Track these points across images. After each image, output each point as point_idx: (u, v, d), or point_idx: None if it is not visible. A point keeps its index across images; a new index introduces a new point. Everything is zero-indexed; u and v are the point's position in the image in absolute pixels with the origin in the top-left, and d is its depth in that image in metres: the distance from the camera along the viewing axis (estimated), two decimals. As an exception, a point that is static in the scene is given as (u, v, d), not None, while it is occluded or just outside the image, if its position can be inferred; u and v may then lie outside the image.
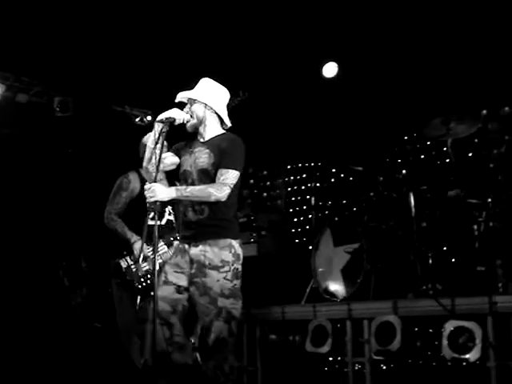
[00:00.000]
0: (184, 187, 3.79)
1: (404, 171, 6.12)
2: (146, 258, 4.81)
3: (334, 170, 7.47)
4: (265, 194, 8.08)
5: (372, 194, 5.96)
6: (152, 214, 4.02)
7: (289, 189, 7.89)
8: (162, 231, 4.79)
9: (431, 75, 6.26)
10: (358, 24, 6.26)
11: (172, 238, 4.89)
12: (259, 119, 7.33)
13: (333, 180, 7.42)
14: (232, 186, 3.73)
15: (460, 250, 5.47)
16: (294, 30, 6.44)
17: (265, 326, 5.76)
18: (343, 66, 6.82)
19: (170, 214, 5.03)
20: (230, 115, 4.08)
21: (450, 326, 4.65)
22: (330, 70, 6.92)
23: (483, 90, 6.10)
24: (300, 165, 7.87)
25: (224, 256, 3.73)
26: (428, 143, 6.98)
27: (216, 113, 3.94)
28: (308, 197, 7.16)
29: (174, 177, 4.02)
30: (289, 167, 7.97)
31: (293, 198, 7.83)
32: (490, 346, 4.52)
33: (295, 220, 7.66)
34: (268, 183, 8.12)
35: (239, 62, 6.66)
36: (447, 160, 6.28)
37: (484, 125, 6.04)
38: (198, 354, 4.71)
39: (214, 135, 3.92)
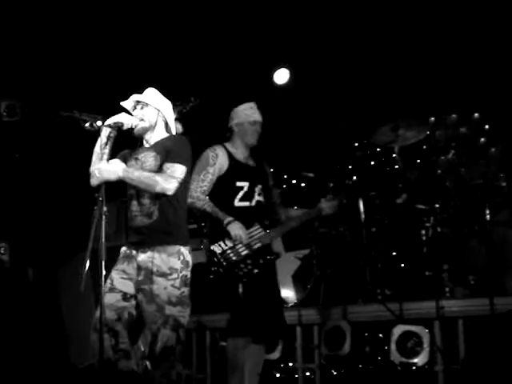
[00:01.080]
0: (132, 169, 3.71)
1: (354, 177, 6.17)
2: (243, 242, 4.25)
3: (285, 177, 7.49)
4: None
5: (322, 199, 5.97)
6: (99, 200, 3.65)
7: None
8: (252, 213, 4.37)
9: (381, 83, 6.34)
10: (310, 30, 6.30)
11: (267, 222, 4.42)
12: (210, 125, 7.30)
13: (284, 186, 7.43)
14: (180, 180, 3.67)
15: (408, 255, 5.55)
16: (245, 36, 6.44)
17: (215, 333, 5.73)
18: (295, 72, 6.84)
19: (259, 195, 4.47)
20: (181, 121, 4.10)
21: (398, 330, 4.70)
22: (281, 76, 6.93)
23: (431, 97, 6.20)
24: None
25: (172, 263, 3.68)
26: (378, 149, 7.09)
27: (164, 120, 3.92)
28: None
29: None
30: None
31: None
32: (438, 350, 4.58)
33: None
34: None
35: (190, 68, 6.64)
36: (396, 166, 6.35)
37: (432, 132, 6.13)
38: (147, 362, 4.65)
39: (159, 139, 3.90)
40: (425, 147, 6.37)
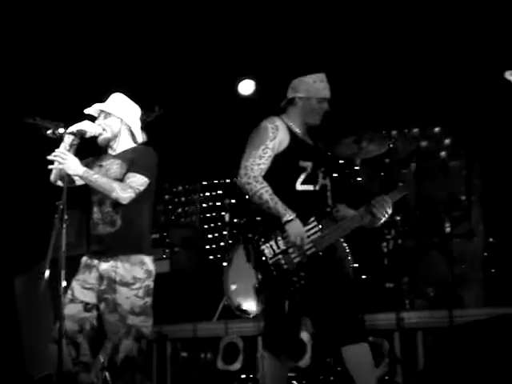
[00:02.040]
0: (92, 172, 3.67)
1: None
2: (300, 248, 3.48)
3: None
4: (179, 210, 8.03)
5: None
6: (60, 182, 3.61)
7: (204, 205, 7.88)
8: (317, 199, 3.63)
9: (344, 95, 6.38)
10: (275, 41, 6.33)
11: (329, 209, 3.67)
12: (176, 135, 7.29)
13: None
14: (138, 190, 3.64)
15: (369, 267, 5.59)
16: (211, 47, 6.45)
17: (176, 344, 5.69)
18: (260, 83, 6.87)
19: (324, 179, 3.72)
20: (145, 130, 4.04)
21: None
22: (246, 87, 6.96)
23: (393, 111, 6.29)
24: (215, 181, 7.87)
25: (135, 272, 3.65)
26: (341, 162, 7.14)
27: (129, 129, 3.90)
28: (223, 213, 7.15)
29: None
30: (204, 183, 7.95)
31: (208, 215, 7.81)
32: (397, 361, 4.62)
33: (210, 236, 7.64)
34: (183, 199, 8.06)
35: (155, 77, 6.61)
36: (358, 179, 6.41)
37: (394, 145, 6.21)
38: (107, 374, 4.60)
39: (125, 148, 3.87)
40: (387, 160, 6.44)
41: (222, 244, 7.31)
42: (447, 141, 6.38)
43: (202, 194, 7.89)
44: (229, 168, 7.31)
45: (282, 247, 3.51)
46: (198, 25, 6.23)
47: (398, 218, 5.54)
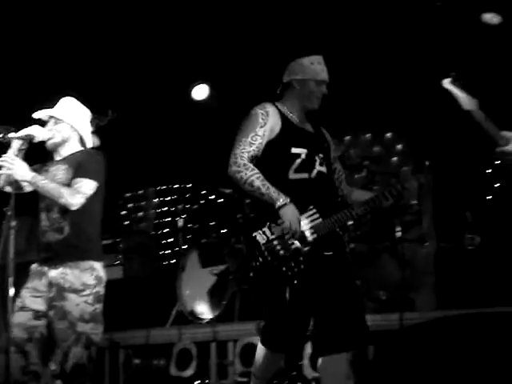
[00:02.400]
0: (41, 177, 3.61)
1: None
2: (296, 233, 3.27)
3: (203, 192, 7.49)
4: (133, 216, 7.96)
5: (239, 216, 6.01)
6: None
7: (158, 210, 7.83)
8: (312, 187, 3.42)
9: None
10: (229, 46, 6.33)
11: (331, 196, 3.47)
12: (129, 140, 7.23)
13: (202, 202, 7.43)
14: (87, 195, 3.60)
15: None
16: (165, 51, 6.42)
17: (128, 350, 5.63)
18: (214, 87, 6.87)
19: (321, 165, 3.50)
20: (99, 134, 4.00)
21: (310, 346, 4.74)
22: (200, 92, 6.95)
23: (346, 116, 6.35)
24: (169, 186, 7.83)
25: (85, 279, 3.60)
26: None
27: (79, 134, 3.85)
28: (177, 218, 7.11)
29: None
30: (158, 188, 7.91)
31: (161, 220, 7.77)
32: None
33: (163, 242, 7.60)
34: (137, 204, 8.00)
35: (108, 81, 6.55)
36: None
37: (346, 150, 6.27)
38: (58, 382, 4.52)
39: (72, 152, 3.82)
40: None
41: (175, 249, 7.27)
42: (399, 146, 6.47)
43: (156, 200, 7.84)
44: (183, 173, 7.30)
45: (277, 233, 3.30)
46: (152, 28, 6.20)
47: (350, 222, 5.59)
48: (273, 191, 3.30)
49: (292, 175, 3.41)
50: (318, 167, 3.47)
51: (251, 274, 3.35)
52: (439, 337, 3.95)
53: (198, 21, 6.08)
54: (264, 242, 3.30)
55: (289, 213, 3.27)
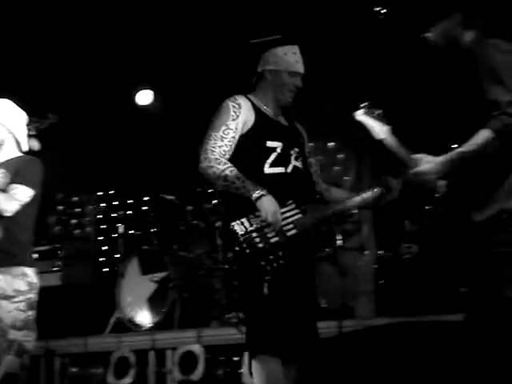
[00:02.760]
0: None
1: (214, 201, 6.18)
2: (276, 225, 3.09)
3: (145, 198, 7.42)
4: (73, 221, 7.82)
5: (181, 223, 5.97)
6: None
7: (98, 216, 7.71)
8: (288, 182, 3.25)
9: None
10: (174, 52, 6.30)
11: (307, 192, 3.33)
12: (71, 144, 7.12)
13: (144, 208, 7.36)
14: (22, 202, 3.53)
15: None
16: (109, 56, 6.35)
17: (65, 359, 5.52)
18: (158, 93, 6.82)
19: (297, 160, 3.33)
20: (39, 137, 3.94)
21: (250, 353, 4.74)
22: (144, 97, 6.89)
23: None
24: (111, 192, 7.73)
25: (17, 285, 3.52)
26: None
27: (14, 138, 3.77)
28: (118, 225, 7.02)
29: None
30: (99, 194, 7.79)
31: (102, 226, 7.65)
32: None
33: (104, 248, 7.49)
34: (77, 210, 7.87)
35: (49, 84, 6.45)
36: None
37: None
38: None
39: (10, 157, 3.74)
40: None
41: (116, 256, 7.17)
42: (340, 156, 6.54)
43: (97, 205, 7.73)
44: (124, 179, 7.22)
45: (256, 225, 3.11)
46: (95, 31, 6.12)
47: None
48: (249, 183, 3.11)
49: (267, 169, 3.25)
50: (293, 162, 3.32)
51: (227, 266, 3.28)
52: (376, 344, 3.99)
53: (143, 27, 6.03)
54: (242, 233, 3.10)
55: (266, 203, 3.08)
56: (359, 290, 5.69)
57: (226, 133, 3.24)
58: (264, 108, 3.40)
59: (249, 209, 3.11)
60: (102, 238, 7.59)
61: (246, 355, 4.64)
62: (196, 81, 6.51)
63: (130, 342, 5.33)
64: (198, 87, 6.58)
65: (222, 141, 3.22)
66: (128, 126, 7.00)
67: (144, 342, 5.25)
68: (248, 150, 3.26)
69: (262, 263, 3.06)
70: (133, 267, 5.83)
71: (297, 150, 3.35)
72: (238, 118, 3.28)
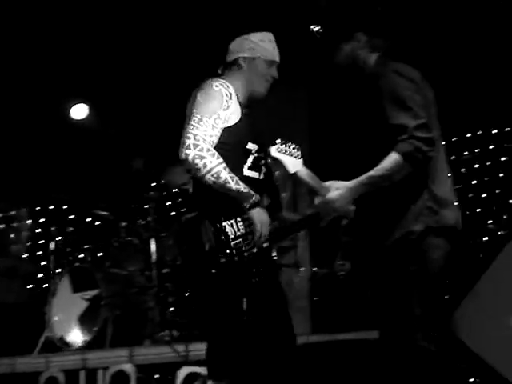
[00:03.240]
0: None
1: (150, 218, 6.10)
2: (262, 236, 2.84)
3: (78, 215, 7.29)
4: (4, 238, 7.60)
5: (114, 239, 5.87)
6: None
7: (29, 232, 7.52)
8: (261, 190, 2.96)
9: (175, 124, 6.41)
10: (108, 65, 6.22)
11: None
12: (3, 158, 6.94)
13: (77, 224, 7.23)
14: None
15: (199, 296, 5.56)
16: (43, 69, 6.22)
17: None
18: (93, 107, 6.71)
19: (265, 166, 3.08)
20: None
21: (183, 372, 4.67)
22: (79, 111, 6.77)
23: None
24: (44, 207, 7.55)
25: None
26: (175, 190, 7.15)
27: None
28: (50, 241, 6.86)
29: None
30: (32, 209, 7.60)
31: (33, 242, 7.46)
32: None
33: (34, 265, 7.28)
34: (7, 226, 7.65)
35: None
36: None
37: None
38: None
39: None
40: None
41: (47, 273, 6.99)
42: (277, 173, 6.55)
43: (28, 221, 7.53)
44: (56, 194, 7.07)
45: (242, 231, 2.85)
46: (30, 44, 5.99)
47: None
48: (243, 187, 2.84)
49: (246, 172, 2.99)
50: (263, 168, 3.07)
51: (213, 271, 2.80)
52: (311, 361, 4.00)
53: (78, 41, 5.94)
54: (233, 236, 2.82)
55: (261, 213, 2.85)
56: (294, 306, 5.70)
57: (216, 122, 2.91)
58: (238, 100, 3.08)
59: (238, 210, 2.86)
60: (32, 254, 7.39)
61: (180, 373, 4.61)
62: (131, 96, 6.45)
63: (60, 362, 5.18)
64: (132, 102, 6.52)
65: (213, 130, 2.89)
66: (63, 140, 6.87)
67: (74, 362, 5.11)
68: (229, 148, 2.94)
69: (247, 275, 2.81)
70: (64, 285, 5.67)
71: (264, 155, 3.09)
72: (228, 108, 2.97)
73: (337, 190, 2.89)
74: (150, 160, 6.29)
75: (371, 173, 2.81)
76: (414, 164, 2.77)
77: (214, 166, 2.82)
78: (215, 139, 2.89)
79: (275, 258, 3.27)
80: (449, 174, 3.00)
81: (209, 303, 2.96)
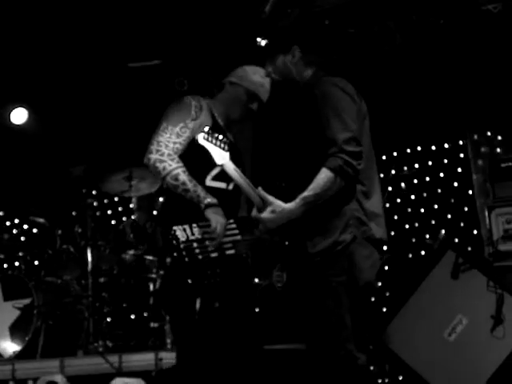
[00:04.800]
0: None
1: (87, 226, 5.98)
2: (218, 239, 2.95)
3: (16, 221, 7.12)
4: None
5: (50, 247, 5.74)
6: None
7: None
8: (228, 200, 3.18)
9: (117, 130, 6.36)
10: (50, 70, 6.10)
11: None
12: None
13: (14, 231, 7.05)
14: None
15: (136, 306, 5.50)
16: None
17: None
18: (34, 112, 6.57)
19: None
20: None
21: (115, 383, 4.59)
22: (18, 115, 6.62)
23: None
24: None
25: None
26: (115, 199, 7.07)
27: None
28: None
29: None
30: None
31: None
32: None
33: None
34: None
35: None
36: (133, 216, 6.29)
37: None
38: None
39: None
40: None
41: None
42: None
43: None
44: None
45: (197, 235, 2.97)
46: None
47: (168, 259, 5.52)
48: (200, 189, 3.05)
49: (209, 182, 3.19)
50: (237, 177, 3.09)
51: (162, 272, 3.07)
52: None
53: (18, 41, 5.81)
54: (184, 239, 2.95)
55: (217, 214, 3.00)
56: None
57: (183, 131, 3.14)
58: (217, 118, 3.34)
59: (192, 217, 3.00)
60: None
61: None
62: (72, 101, 6.35)
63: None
64: (74, 108, 6.42)
65: (178, 138, 3.12)
66: (1, 144, 6.71)
67: (3, 372, 4.97)
68: (194, 156, 3.10)
69: (199, 276, 2.96)
70: (-6, 293, 5.51)
71: (240, 169, 3.11)
72: (197, 119, 3.20)
73: (272, 212, 2.83)
74: (90, 167, 6.20)
75: (305, 194, 2.81)
76: (345, 178, 2.80)
77: (173, 169, 3.06)
78: (180, 146, 3.13)
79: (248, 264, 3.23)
80: (378, 188, 3.03)
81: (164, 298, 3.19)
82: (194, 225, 2.99)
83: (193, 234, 2.97)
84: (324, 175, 2.79)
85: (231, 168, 2.93)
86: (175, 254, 2.96)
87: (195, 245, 2.96)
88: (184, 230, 2.96)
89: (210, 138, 2.88)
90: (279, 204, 2.84)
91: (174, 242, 2.95)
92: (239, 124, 3.45)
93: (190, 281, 2.98)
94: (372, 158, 3.03)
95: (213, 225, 2.98)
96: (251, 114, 3.39)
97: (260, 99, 3.37)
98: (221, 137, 2.91)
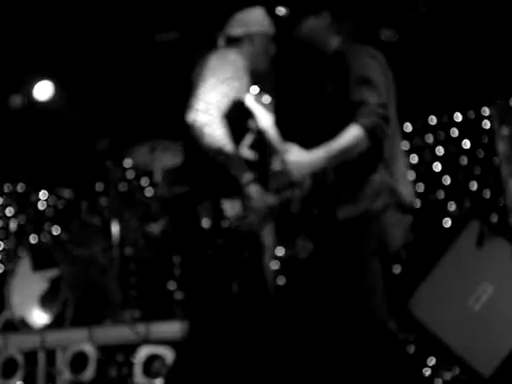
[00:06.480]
0: None
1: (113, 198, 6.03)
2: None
3: (43, 191, 7.19)
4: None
5: (75, 219, 5.80)
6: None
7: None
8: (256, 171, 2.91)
9: (141, 103, 6.36)
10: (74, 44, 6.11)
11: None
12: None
13: (40, 204, 7.11)
14: None
15: (161, 277, 5.57)
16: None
17: None
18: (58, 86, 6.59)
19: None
20: None
21: (143, 352, 4.65)
22: (43, 90, 6.64)
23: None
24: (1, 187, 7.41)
25: None
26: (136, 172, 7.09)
27: None
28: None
29: None
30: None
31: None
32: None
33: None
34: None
35: None
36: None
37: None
38: None
39: None
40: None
41: (6, 253, 6.88)
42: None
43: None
44: (16, 173, 6.95)
45: (239, 210, 2.76)
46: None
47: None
48: (243, 165, 2.77)
49: (244, 151, 2.88)
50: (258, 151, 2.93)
51: (209, 253, 2.68)
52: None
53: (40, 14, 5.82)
54: (233, 214, 2.72)
55: (259, 191, 2.77)
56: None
57: (230, 90, 2.78)
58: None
59: (236, 189, 2.78)
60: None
61: (141, 353, 4.59)
62: (96, 74, 6.36)
63: (18, 343, 5.12)
64: (98, 81, 6.43)
65: (225, 98, 2.76)
66: (24, 118, 6.75)
67: (33, 342, 5.06)
68: (232, 121, 2.81)
69: (241, 256, 2.76)
70: (24, 265, 5.60)
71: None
72: (243, 78, 2.86)
73: (297, 156, 2.72)
74: (116, 140, 6.24)
75: (329, 146, 2.73)
76: (374, 139, 2.77)
77: (221, 139, 2.72)
78: (224, 108, 2.78)
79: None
80: (402, 155, 3.02)
81: (199, 283, 2.82)
82: (238, 199, 2.79)
83: (238, 210, 2.76)
84: (354, 131, 2.73)
85: (273, 133, 2.89)
86: (225, 233, 2.73)
87: (239, 222, 2.76)
88: (232, 204, 2.75)
89: (258, 100, 2.82)
90: (303, 150, 2.75)
91: (223, 219, 2.73)
92: (261, 79, 3.14)
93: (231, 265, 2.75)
94: (396, 127, 3.02)
95: (254, 201, 2.78)
96: (272, 60, 3.15)
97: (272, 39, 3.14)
98: (269, 99, 2.85)
